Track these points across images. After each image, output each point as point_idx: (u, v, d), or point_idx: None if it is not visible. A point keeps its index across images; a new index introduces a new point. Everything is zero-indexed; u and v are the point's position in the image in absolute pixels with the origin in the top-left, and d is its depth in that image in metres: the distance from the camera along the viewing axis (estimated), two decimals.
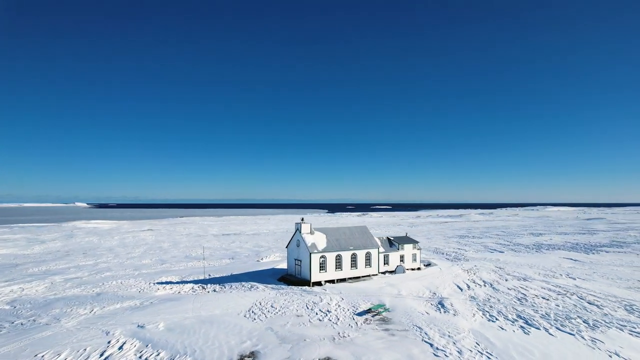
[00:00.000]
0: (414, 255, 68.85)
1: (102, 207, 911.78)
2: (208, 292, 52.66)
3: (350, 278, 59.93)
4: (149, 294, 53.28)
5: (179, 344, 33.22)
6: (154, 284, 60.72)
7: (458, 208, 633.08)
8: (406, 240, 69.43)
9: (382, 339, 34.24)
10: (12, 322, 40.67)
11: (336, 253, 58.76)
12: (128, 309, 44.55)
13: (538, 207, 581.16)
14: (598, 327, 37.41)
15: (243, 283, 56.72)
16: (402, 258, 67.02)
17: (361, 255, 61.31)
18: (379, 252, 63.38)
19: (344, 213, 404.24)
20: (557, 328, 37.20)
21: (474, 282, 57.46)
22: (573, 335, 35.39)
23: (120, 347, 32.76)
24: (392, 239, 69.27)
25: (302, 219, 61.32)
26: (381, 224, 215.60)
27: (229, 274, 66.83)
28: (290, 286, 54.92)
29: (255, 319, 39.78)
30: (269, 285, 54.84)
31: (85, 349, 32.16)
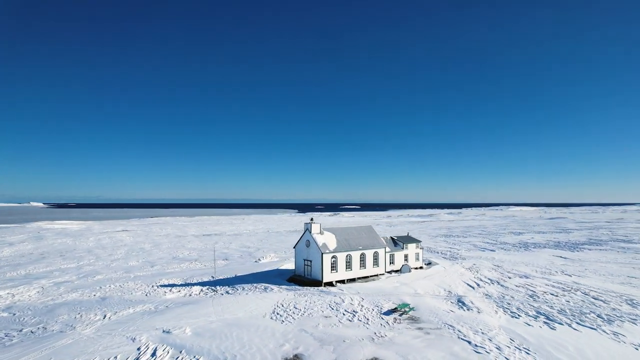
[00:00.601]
0: (417, 255, 69.93)
1: (62, 207, 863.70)
2: (222, 294, 51.10)
3: (359, 278, 60.03)
4: (157, 297, 51.06)
5: (215, 348, 32.00)
6: (157, 286, 58.29)
7: (423, 208, 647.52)
8: (409, 239, 70.39)
9: (420, 338, 34.46)
10: (20, 331, 37.77)
11: (346, 253, 58.68)
12: (144, 313, 42.45)
13: (502, 207, 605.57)
14: (613, 322, 39.34)
15: (254, 285, 55.48)
16: (406, 257, 67.90)
17: (369, 255, 61.56)
18: (385, 252, 63.88)
19: (315, 213, 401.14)
20: (578, 323, 38.82)
21: (481, 280, 59.06)
22: (595, 329, 37.03)
23: (153, 354, 31.17)
24: (395, 238, 70.00)
25: (312, 219, 60.79)
26: (358, 224, 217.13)
27: (233, 276, 65.21)
28: (304, 287, 54.28)
29: (283, 321, 38.98)
30: (282, 287, 53.94)
31: (116, 357, 30.36)
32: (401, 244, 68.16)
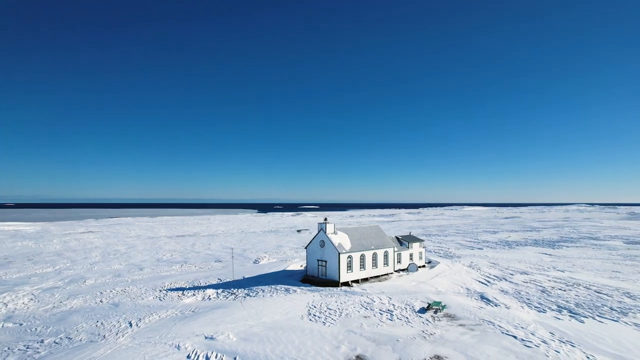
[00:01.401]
0: (420, 254, 71.48)
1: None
2: (244, 297, 49.37)
3: (371, 277, 60.38)
4: (174, 302, 48.42)
5: (271, 353, 30.94)
6: (165, 290, 55.31)
7: (381, 208, 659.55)
8: (413, 239, 71.80)
9: (467, 334, 35.27)
10: (42, 341, 34.40)
11: (360, 253, 58.83)
12: (173, 319, 40.14)
13: (456, 206, 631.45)
14: (627, 314, 42.41)
15: (272, 286, 54.13)
16: (411, 256, 69.18)
17: (380, 254, 62.11)
18: (394, 251, 64.74)
19: (277, 213, 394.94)
20: (599, 315, 41.49)
21: (487, 277, 61.44)
22: (616, 321, 39.74)
23: None
24: (400, 237, 71.13)
25: (326, 219, 60.34)
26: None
27: (241, 277, 63.26)
28: (323, 287, 53.74)
29: (324, 322, 38.40)
30: (302, 288, 53.08)
31: None
32: (406, 243, 69.38)
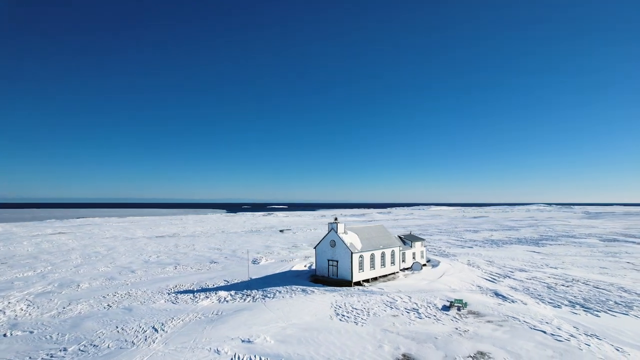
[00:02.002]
0: (422, 253, 72.75)
1: None
2: (263, 298, 48.28)
3: (380, 276, 60.79)
4: (190, 305, 46.66)
5: (316, 355, 30.52)
6: (174, 293, 53.22)
7: (350, 207, 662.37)
8: (415, 238, 72.93)
9: (498, 330, 36.21)
10: (65, 349, 32.17)
11: (370, 252, 59.13)
12: (199, 323, 38.71)
13: (423, 206, 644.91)
14: (632, 307, 44.98)
15: (287, 287, 53.30)
16: (414, 255, 70.26)
17: (388, 253, 62.66)
18: (399, 250, 65.49)
19: (247, 213, 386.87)
20: (608, 309, 43.77)
21: (491, 275, 63.38)
22: (626, 315, 42.09)
23: None
24: (403, 237, 72.04)
25: (336, 219, 60.16)
26: (299, 224, 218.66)
27: (248, 279, 61.89)
28: (337, 287, 53.53)
29: (356, 322, 38.26)
30: (319, 288, 52.63)
31: None
32: (409, 242, 70.39)
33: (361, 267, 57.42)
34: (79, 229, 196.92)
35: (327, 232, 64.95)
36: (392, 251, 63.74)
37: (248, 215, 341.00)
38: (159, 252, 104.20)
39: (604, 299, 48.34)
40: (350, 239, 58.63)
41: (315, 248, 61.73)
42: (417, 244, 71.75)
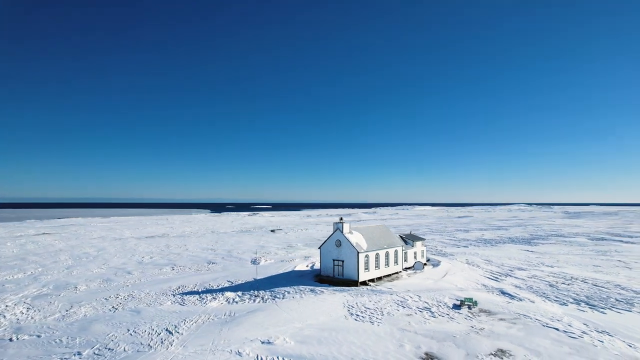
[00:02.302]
0: (423, 252, 73.37)
1: None
2: (273, 299, 47.83)
3: (384, 276, 61.03)
4: (199, 307, 45.86)
5: (339, 354, 30.42)
6: (179, 295, 52.26)
7: (335, 207, 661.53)
8: (416, 237, 73.49)
9: (512, 328, 36.77)
10: (79, 353, 31.17)
11: (375, 252, 59.31)
12: (213, 324, 38.14)
13: (407, 206, 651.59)
14: (634, 304, 46.30)
15: (294, 287, 52.96)
16: (415, 255, 70.79)
17: (392, 253, 62.99)
18: (402, 250, 65.89)
19: (232, 213, 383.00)
20: (612, 306, 44.97)
21: (492, 273, 64.35)
22: (630, 312, 43.27)
23: None
24: (404, 236, 72.48)
25: (341, 219, 60.16)
26: (288, 224, 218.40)
27: (252, 279, 61.24)
28: (345, 287, 53.50)
29: (372, 322, 38.29)
30: (327, 288, 52.49)
31: None
32: (411, 241, 70.87)
33: (367, 267, 57.53)
34: (63, 229, 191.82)
35: (332, 232, 64.78)
36: (395, 251, 64.09)
37: (234, 215, 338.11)
38: (152, 253, 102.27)
39: (605, 297, 49.61)
40: (356, 238, 58.69)
41: (319, 248, 61.55)
42: (418, 243, 72.31)
